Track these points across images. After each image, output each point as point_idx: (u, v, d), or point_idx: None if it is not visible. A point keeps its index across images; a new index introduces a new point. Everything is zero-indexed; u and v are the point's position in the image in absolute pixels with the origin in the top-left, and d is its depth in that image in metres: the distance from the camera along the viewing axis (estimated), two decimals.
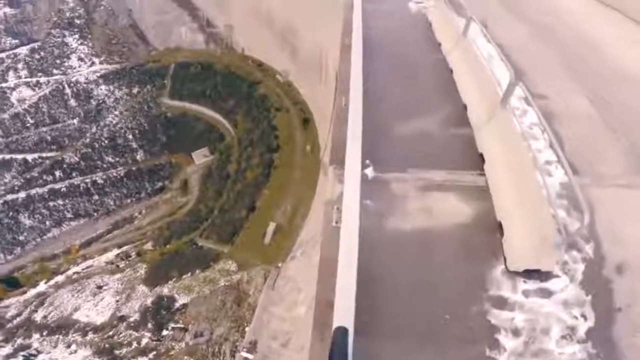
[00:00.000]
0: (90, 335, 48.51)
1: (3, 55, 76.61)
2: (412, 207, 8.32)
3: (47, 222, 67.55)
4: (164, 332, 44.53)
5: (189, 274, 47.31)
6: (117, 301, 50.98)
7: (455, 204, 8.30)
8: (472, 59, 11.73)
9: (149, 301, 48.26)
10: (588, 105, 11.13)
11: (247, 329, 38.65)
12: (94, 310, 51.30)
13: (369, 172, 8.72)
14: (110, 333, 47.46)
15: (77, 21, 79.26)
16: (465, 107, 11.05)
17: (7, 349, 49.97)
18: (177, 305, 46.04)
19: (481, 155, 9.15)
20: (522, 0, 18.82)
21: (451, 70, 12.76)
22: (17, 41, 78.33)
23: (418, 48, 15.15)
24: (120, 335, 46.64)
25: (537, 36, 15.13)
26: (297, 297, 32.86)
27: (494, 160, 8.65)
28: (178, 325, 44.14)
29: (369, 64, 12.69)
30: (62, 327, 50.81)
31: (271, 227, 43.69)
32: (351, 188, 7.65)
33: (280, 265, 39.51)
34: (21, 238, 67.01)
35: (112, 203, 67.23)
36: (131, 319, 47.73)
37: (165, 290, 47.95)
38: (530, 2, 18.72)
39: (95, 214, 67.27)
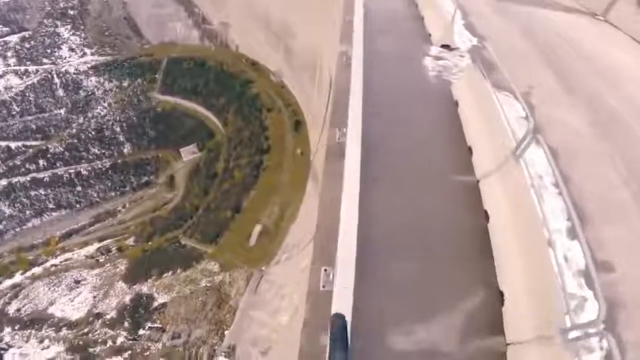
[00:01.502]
0: (64, 331, 47.32)
1: None
2: None
3: (28, 212, 66.31)
4: (141, 332, 43.56)
5: (170, 273, 46.36)
6: (95, 297, 49.87)
7: None
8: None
9: (127, 299, 47.21)
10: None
11: (226, 332, 37.90)
12: (70, 305, 50.12)
13: None
14: (85, 330, 46.35)
15: (71, 11, 78.57)
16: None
17: None
18: (155, 304, 45.07)
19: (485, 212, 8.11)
20: (575, 63, 13.94)
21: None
22: (7, 29, 77.34)
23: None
24: (95, 333, 45.56)
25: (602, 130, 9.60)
26: (280, 303, 32.21)
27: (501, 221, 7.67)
28: (155, 325, 43.19)
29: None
30: (35, 321, 49.55)
31: (257, 229, 42.94)
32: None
33: (264, 268, 38.84)
34: (0, 227, 65.41)
35: (95, 195, 66.06)
36: (107, 317, 46.65)
37: (144, 288, 46.93)
38: (585, 67, 13.38)
39: (77, 205, 66.09)
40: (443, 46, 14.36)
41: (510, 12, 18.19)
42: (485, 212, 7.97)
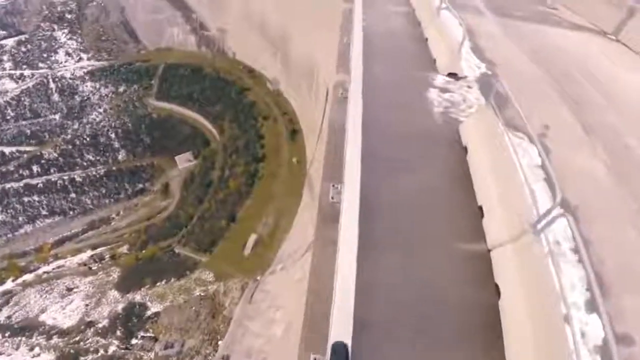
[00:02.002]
0: (55, 339, 46.63)
1: None
2: None
3: (20, 218, 65.67)
4: (133, 341, 42.94)
5: (164, 282, 45.87)
6: (87, 305, 49.23)
7: None
8: None
9: (119, 307, 46.62)
10: None
11: (220, 342, 37.44)
12: (62, 313, 49.46)
13: None
14: (77, 338, 45.65)
15: (68, 16, 78.42)
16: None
17: None
18: (148, 313, 44.53)
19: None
20: (590, 93, 13.04)
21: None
22: (4, 32, 77.11)
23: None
24: (87, 341, 44.87)
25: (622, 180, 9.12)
26: (275, 315, 31.93)
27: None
28: (148, 335, 42.63)
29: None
30: (26, 328, 48.83)
31: (252, 238, 42.66)
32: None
33: (259, 278, 38.50)
34: None
35: (89, 202, 65.54)
36: (100, 325, 46.00)
37: (137, 296, 46.39)
38: (601, 97, 12.85)
39: (71, 212, 65.52)
40: (450, 75, 13.26)
41: (520, 33, 17.31)
42: (496, 286, 6.98)
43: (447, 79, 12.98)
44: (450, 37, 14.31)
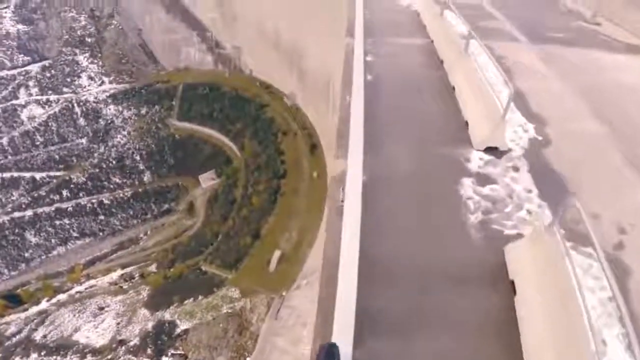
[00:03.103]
0: (88, 358, 47.90)
1: (15, 72, 77.29)
2: None
3: (53, 240, 67.45)
4: (164, 359, 43.82)
5: (192, 299, 46.73)
6: (118, 324, 50.43)
7: None
8: None
9: (149, 325, 47.64)
10: None
11: (248, 359, 38.03)
12: (94, 332, 50.74)
13: None
14: (109, 357, 46.77)
15: (88, 39, 79.99)
16: None
17: None
18: (178, 331, 45.37)
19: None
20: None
21: None
22: (29, 58, 79.08)
23: None
24: None
25: None
26: (302, 332, 32.40)
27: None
28: (178, 352, 43.45)
29: None
30: (61, 347, 50.22)
31: (276, 254, 43.20)
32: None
33: (284, 294, 38.98)
34: (26, 255, 66.94)
35: (117, 223, 67.07)
36: (131, 343, 47.05)
37: (167, 315, 47.33)
38: None
39: (100, 233, 67.11)
40: (488, 150, 9.51)
41: (567, 64, 14.11)
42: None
43: (485, 156, 9.27)
44: (486, 90, 10.33)
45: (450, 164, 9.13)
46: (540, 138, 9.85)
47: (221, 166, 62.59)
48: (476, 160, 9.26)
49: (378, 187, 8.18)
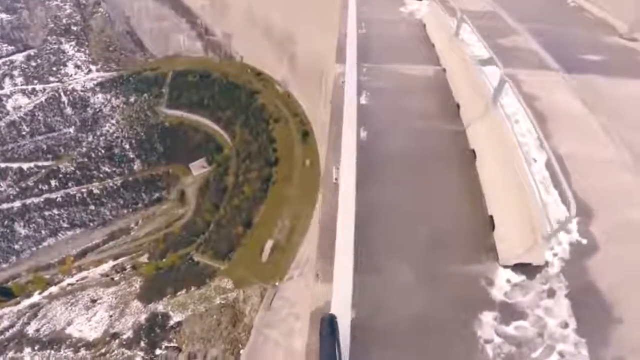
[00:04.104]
0: (82, 352, 47.37)
1: None
2: None
3: (43, 232, 66.85)
4: (157, 352, 43.40)
5: (184, 291, 46.26)
6: (111, 316, 49.92)
7: None
8: None
9: (142, 318, 47.16)
10: None
11: (241, 351, 37.67)
12: (87, 325, 50.23)
13: None
14: (103, 350, 46.31)
15: (74, 28, 78.49)
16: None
17: None
18: (171, 323, 44.95)
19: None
20: None
21: None
22: (13, 47, 77.61)
23: None
24: (113, 353, 45.50)
25: None
26: (294, 324, 32.01)
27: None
28: (172, 345, 43.05)
29: None
30: (54, 341, 49.71)
31: (268, 244, 42.74)
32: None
33: (277, 283, 38.59)
34: (16, 247, 66.42)
35: (108, 213, 66.45)
36: (124, 336, 46.61)
37: (159, 307, 46.87)
38: None
39: (91, 224, 66.52)
40: (517, 266, 6.50)
41: (611, 102, 10.72)
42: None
43: (514, 276, 6.46)
44: (522, 169, 6.74)
45: (467, 290, 6.31)
46: (585, 242, 6.87)
47: (212, 154, 61.97)
48: (502, 283, 6.41)
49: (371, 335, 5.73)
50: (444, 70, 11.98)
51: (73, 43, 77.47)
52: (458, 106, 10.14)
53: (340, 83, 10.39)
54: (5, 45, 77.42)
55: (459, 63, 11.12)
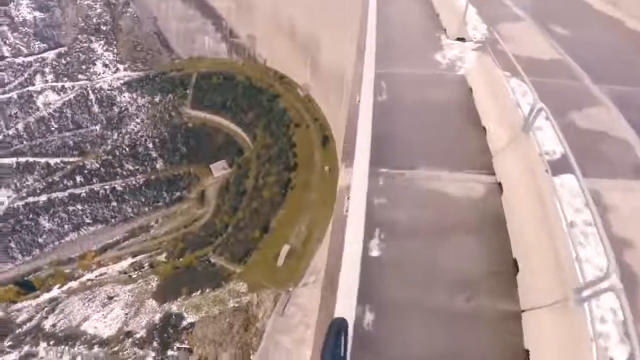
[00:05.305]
0: (96, 349, 47.92)
1: (31, 59, 77.32)
2: None
3: (66, 226, 67.87)
4: (169, 352, 43.61)
5: (199, 292, 46.45)
6: (126, 314, 50.40)
7: None
8: None
9: (156, 317, 47.52)
10: None
11: (252, 357, 37.46)
12: (103, 322, 50.81)
13: None
14: (116, 348, 46.80)
15: (103, 27, 79.55)
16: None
17: (14, 356, 49.74)
18: (184, 323, 45.17)
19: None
20: None
21: None
22: (45, 45, 78.96)
23: None
24: (125, 352, 45.93)
25: None
26: (305, 333, 31.66)
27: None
28: (184, 346, 43.17)
29: None
30: (69, 337, 50.40)
31: (285, 249, 42.52)
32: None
33: (291, 289, 38.29)
34: (40, 240, 67.49)
35: (129, 210, 67.12)
36: (137, 335, 47.02)
37: (174, 307, 47.14)
38: None
39: (112, 220, 67.30)
40: None
41: None
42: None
43: None
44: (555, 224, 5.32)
45: None
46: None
47: (233, 156, 62.14)
48: None
49: None
50: (499, 186, 7.15)
51: (102, 42, 78.48)
52: (515, 264, 5.98)
53: (343, 210, 6.48)
54: (38, 42, 78.83)
55: (526, 180, 6.54)
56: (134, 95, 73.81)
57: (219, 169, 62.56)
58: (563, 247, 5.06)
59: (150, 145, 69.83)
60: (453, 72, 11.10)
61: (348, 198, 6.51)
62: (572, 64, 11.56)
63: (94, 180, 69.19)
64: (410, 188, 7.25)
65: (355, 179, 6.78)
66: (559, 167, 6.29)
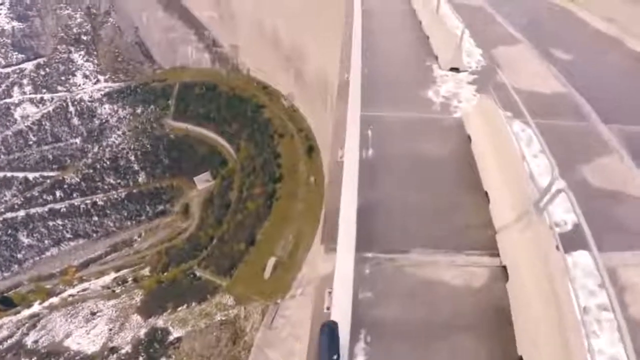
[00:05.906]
0: None
1: (9, 70, 76.29)
2: None
3: (46, 241, 66.70)
4: None
5: (185, 306, 45.73)
6: (110, 330, 49.41)
7: None
8: None
9: (142, 332, 46.61)
10: None
11: None
12: (86, 337, 49.75)
13: None
14: None
15: (84, 37, 78.82)
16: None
17: None
18: (170, 338, 44.36)
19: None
20: None
21: None
22: (23, 56, 77.98)
23: None
24: None
25: None
26: (294, 345, 31.42)
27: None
28: None
29: None
30: (52, 354, 49.23)
31: (271, 261, 42.13)
32: None
33: (279, 301, 37.99)
34: (19, 256, 66.24)
35: (111, 225, 66.21)
36: (122, 351, 46.05)
37: (159, 321, 46.32)
38: None
39: (94, 235, 66.31)
40: None
41: None
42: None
43: None
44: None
45: None
46: None
47: (217, 167, 61.68)
48: None
49: None
50: (504, 270, 6.18)
51: (82, 52, 77.76)
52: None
53: (324, 306, 5.61)
54: (16, 53, 77.80)
55: (535, 262, 5.63)
56: (115, 107, 73.05)
57: (203, 182, 62.04)
58: (576, 340, 4.46)
59: (132, 158, 69.01)
60: (448, 115, 10.00)
61: (329, 292, 5.56)
62: (578, 99, 10.79)
63: (75, 195, 68.12)
64: (401, 278, 6.15)
65: (339, 273, 5.73)
66: (571, 241, 5.58)
